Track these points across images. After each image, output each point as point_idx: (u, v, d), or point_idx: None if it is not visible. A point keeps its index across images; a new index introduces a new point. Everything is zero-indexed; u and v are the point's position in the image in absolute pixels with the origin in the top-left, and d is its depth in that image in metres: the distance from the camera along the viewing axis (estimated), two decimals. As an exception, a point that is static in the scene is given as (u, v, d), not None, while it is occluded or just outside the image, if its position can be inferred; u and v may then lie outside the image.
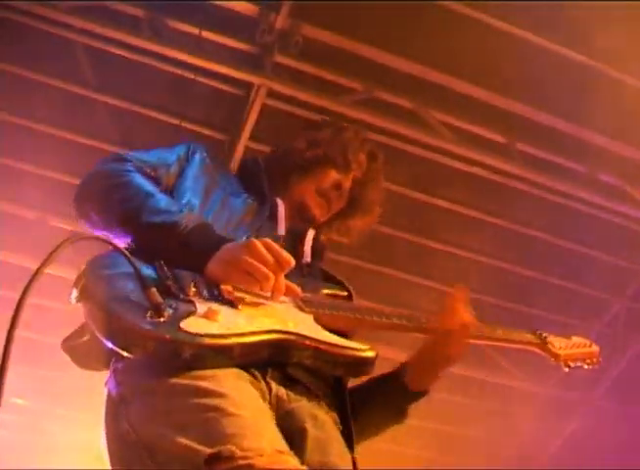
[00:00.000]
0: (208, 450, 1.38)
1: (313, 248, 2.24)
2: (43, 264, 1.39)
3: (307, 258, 2.20)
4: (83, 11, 4.19)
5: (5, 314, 1.38)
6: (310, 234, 2.27)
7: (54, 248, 1.42)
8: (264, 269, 1.69)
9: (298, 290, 1.82)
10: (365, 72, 4.62)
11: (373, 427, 2.12)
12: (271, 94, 4.60)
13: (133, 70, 4.53)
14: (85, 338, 1.71)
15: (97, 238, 1.63)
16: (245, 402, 1.52)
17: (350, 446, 1.82)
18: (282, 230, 2.17)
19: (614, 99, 4.51)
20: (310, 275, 2.15)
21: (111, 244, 1.61)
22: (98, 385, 1.74)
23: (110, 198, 1.88)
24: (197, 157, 2.18)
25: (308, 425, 1.71)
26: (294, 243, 2.19)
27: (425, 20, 4.32)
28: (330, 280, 2.18)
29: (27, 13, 4.21)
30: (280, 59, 4.46)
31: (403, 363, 2.09)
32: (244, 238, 1.91)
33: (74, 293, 1.61)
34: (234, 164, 4.69)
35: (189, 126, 4.80)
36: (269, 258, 1.71)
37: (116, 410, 1.60)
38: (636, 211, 5.24)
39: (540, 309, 5.95)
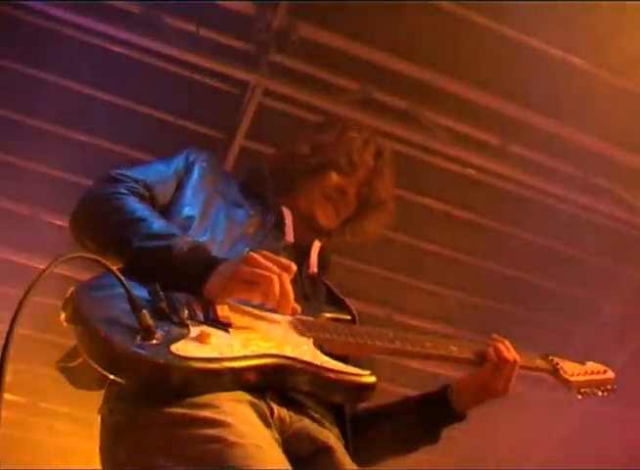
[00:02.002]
0: None
1: (319, 259, 2.18)
2: (28, 292, 1.35)
3: (314, 268, 2.14)
4: (79, 6, 4.18)
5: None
6: (317, 245, 2.21)
7: (39, 273, 1.38)
8: (266, 272, 1.63)
9: (298, 307, 1.76)
10: (361, 72, 4.63)
11: (402, 447, 2.14)
12: (267, 93, 4.60)
13: (129, 66, 4.52)
14: (79, 361, 1.66)
15: (85, 257, 1.55)
16: (246, 430, 1.47)
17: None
18: (290, 237, 2.11)
19: (608, 102, 4.53)
20: (315, 288, 2.11)
21: (101, 263, 1.54)
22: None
23: (101, 225, 1.83)
24: (196, 167, 2.11)
25: (316, 444, 1.70)
26: (300, 254, 2.12)
27: (421, 21, 4.33)
28: (333, 300, 2.13)
29: (23, 7, 4.20)
30: (276, 58, 4.45)
31: (445, 387, 2.07)
32: (245, 250, 1.84)
33: (62, 315, 1.57)
34: (229, 163, 4.71)
35: (184, 124, 4.80)
36: (269, 264, 1.65)
37: (112, 440, 1.56)
38: (629, 214, 5.26)
39: (533, 312, 5.96)
